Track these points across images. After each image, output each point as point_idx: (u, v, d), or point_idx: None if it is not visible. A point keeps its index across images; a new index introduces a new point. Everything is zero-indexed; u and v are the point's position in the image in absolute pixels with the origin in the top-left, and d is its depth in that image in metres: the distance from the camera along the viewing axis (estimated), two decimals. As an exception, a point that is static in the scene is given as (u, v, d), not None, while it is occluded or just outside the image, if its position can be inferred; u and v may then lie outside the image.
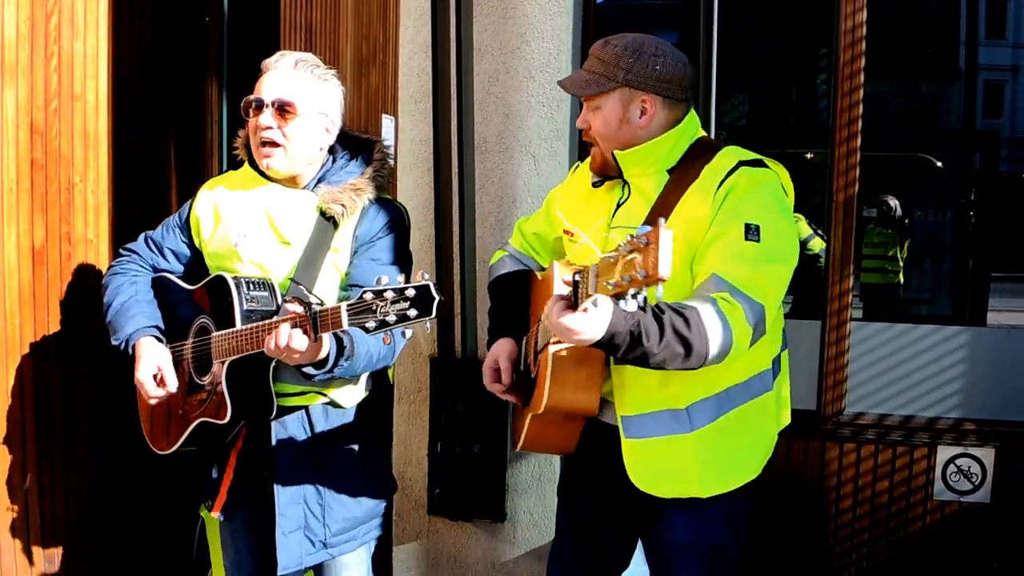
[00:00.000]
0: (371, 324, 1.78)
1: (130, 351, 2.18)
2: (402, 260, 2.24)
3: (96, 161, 2.76)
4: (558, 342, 1.84)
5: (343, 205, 2.14)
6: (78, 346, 2.68)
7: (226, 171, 2.47)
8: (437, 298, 1.77)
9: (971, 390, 3.49)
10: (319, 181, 2.19)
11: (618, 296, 1.48)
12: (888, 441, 3.30)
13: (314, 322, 1.88)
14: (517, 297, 2.21)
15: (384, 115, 3.12)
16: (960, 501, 3.27)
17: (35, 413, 2.58)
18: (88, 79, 2.71)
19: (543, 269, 2.26)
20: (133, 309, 2.21)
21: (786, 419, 2.10)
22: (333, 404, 2.22)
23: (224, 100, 3.53)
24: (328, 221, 2.15)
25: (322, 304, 1.93)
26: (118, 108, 2.84)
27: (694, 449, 1.93)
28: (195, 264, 2.29)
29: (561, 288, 1.88)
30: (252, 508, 2.27)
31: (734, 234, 1.82)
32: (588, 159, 2.16)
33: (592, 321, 1.65)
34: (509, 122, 3.04)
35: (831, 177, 3.21)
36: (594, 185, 2.08)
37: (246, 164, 2.27)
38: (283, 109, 2.12)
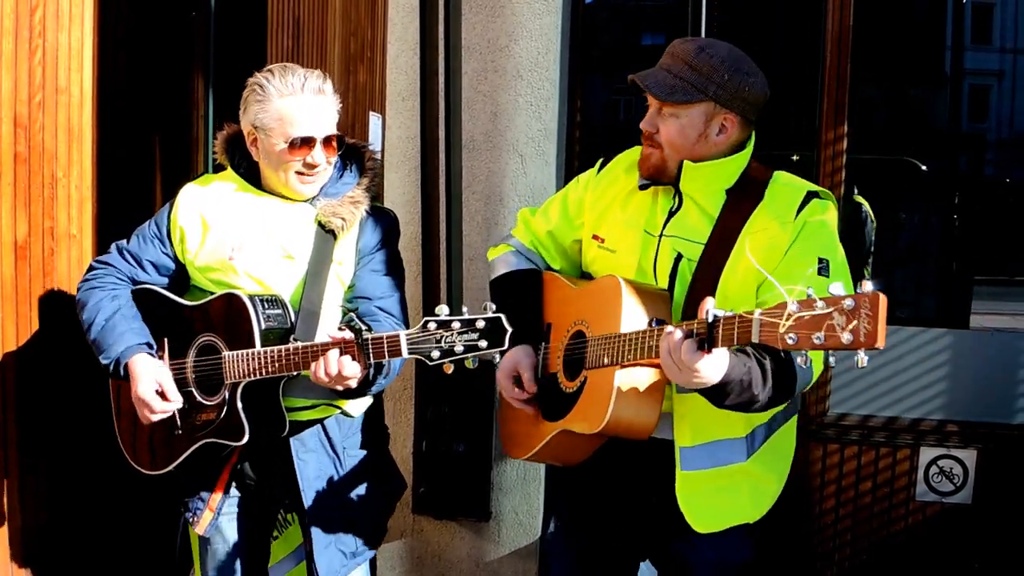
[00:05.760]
0: (436, 354, 1.78)
1: (121, 371, 2.09)
2: (400, 269, 2.27)
3: (80, 156, 2.73)
4: (628, 366, 1.79)
5: (343, 219, 2.13)
6: (61, 342, 2.65)
7: (209, 170, 2.44)
8: (509, 330, 1.77)
9: (954, 392, 3.50)
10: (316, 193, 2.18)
11: (791, 350, 1.45)
12: (871, 442, 3.31)
13: (365, 349, 1.87)
14: (528, 299, 2.13)
15: (371, 112, 3.11)
16: (942, 502, 3.29)
17: (16, 404, 2.56)
18: (73, 72, 2.69)
19: (550, 268, 2.20)
20: (120, 326, 2.13)
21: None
22: (344, 414, 2.22)
23: (210, 96, 3.51)
24: (327, 233, 2.14)
25: (370, 329, 1.91)
26: (103, 102, 2.82)
27: (746, 477, 1.94)
28: (177, 276, 2.24)
29: (633, 313, 1.82)
30: (247, 522, 2.27)
31: (808, 269, 1.80)
32: (616, 158, 2.10)
33: (716, 366, 1.62)
34: (497, 121, 3.04)
35: (817, 179, 3.22)
36: (641, 188, 1.99)
37: (229, 170, 2.23)
38: (331, 144, 2.12)
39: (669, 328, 1.63)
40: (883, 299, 1.36)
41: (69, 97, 2.68)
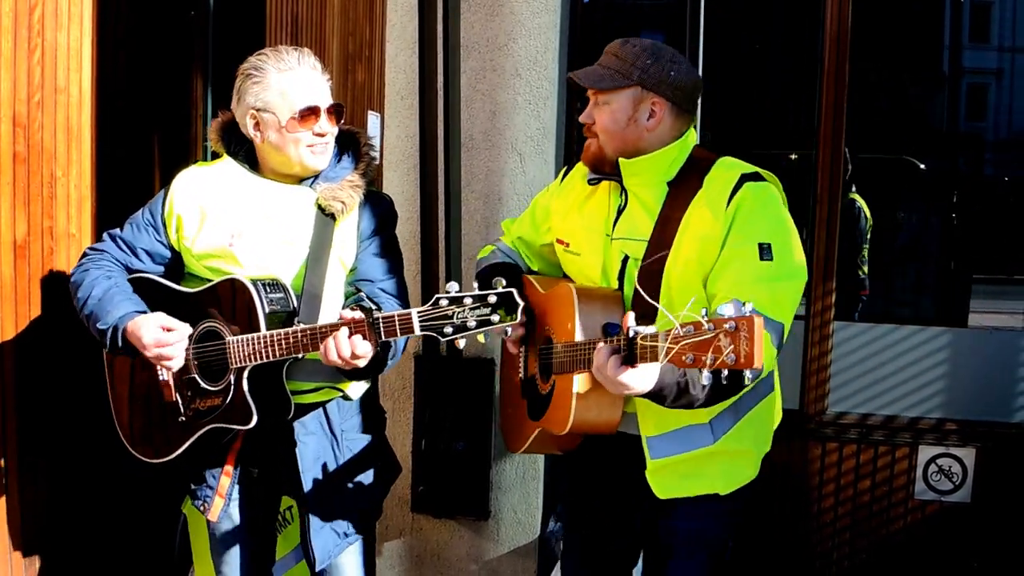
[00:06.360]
0: (448, 329, 1.79)
1: (119, 339, 2.06)
2: (398, 252, 2.28)
3: (79, 155, 2.73)
4: (581, 373, 1.87)
5: (343, 202, 2.13)
6: (60, 341, 2.66)
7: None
8: (521, 304, 1.78)
9: (952, 391, 3.51)
10: (316, 177, 2.18)
11: (691, 368, 1.53)
12: (870, 441, 3.32)
13: (376, 328, 1.87)
14: (511, 281, 2.22)
15: (370, 111, 3.11)
16: (941, 501, 3.29)
17: (16, 406, 2.56)
18: (72, 72, 2.69)
19: (531, 271, 2.28)
20: (118, 297, 2.11)
21: (779, 413, 2.13)
22: (345, 398, 2.23)
23: (209, 95, 3.51)
24: (327, 217, 2.14)
25: (379, 308, 1.92)
26: (102, 101, 2.82)
27: (716, 459, 1.98)
28: (172, 264, 2.22)
29: (586, 321, 1.90)
30: (252, 508, 2.27)
31: (749, 255, 1.83)
32: (577, 165, 2.17)
33: (645, 378, 1.68)
34: (496, 119, 3.04)
35: (816, 178, 3.23)
36: (590, 182, 2.07)
37: (226, 157, 2.22)
38: (333, 114, 2.13)
39: (600, 345, 1.72)
40: (759, 321, 1.44)
41: (68, 96, 2.68)
